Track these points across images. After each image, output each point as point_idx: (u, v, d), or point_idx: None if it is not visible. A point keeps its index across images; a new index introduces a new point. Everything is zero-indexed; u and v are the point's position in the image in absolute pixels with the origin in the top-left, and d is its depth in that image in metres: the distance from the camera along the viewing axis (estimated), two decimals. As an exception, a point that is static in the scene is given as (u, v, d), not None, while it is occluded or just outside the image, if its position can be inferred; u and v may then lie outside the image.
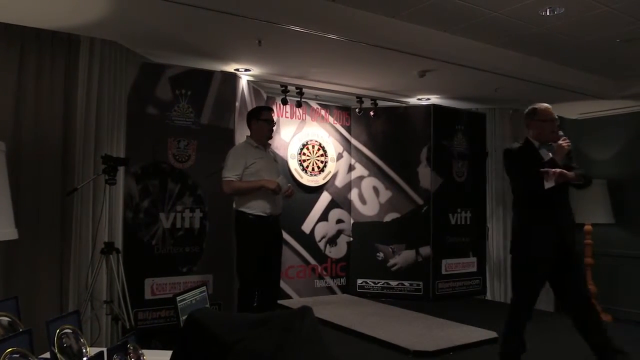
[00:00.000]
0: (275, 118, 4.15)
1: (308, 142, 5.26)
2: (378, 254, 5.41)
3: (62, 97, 3.57)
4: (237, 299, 3.76)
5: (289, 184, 3.79)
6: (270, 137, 3.93)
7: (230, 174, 3.61)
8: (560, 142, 2.97)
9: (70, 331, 1.48)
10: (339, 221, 5.47)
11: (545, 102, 3.16)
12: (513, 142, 3.31)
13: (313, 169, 5.27)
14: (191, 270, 4.08)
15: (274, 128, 3.94)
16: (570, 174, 2.89)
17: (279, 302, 4.35)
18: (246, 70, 4.52)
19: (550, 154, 2.95)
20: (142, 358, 1.55)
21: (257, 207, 3.63)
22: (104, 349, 1.43)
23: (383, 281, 5.37)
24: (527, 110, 3.13)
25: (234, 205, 3.73)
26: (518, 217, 3.09)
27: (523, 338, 2.98)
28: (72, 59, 3.60)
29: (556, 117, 3.06)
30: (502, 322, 3.06)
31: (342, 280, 5.47)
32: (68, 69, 3.59)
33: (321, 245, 5.36)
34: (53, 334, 1.42)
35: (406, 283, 5.32)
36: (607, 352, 2.85)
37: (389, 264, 5.38)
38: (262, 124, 3.79)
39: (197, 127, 4.16)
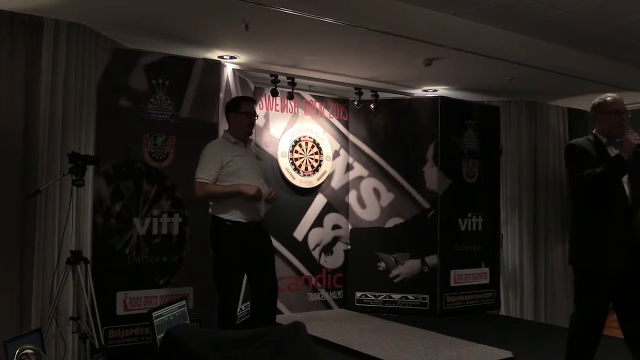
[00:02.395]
0: (257, 110, 4.08)
1: (301, 138, 5.26)
2: (379, 263, 5.41)
3: (22, 87, 3.54)
4: (217, 315, 3.73)
5: (271, 188, 3.72)
6: (250, 133, 3.83)
7: (204, 175, 3.53)
8: (627, 136, 2.84)
9: (32, 351, 1.48)
10: (336, 227, 5.46)
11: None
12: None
13: (306, 169, 5.26)
14: (169, 282, 4.06)
15: (255, 122, 3.88)
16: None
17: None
18: (231, 57, 4.51)
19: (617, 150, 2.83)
20: (113, 381, 1.54)
21: (235, 213, 3.56)
22: (70, 372, 1.43)
23: (385, 294, 5.37)
24: (593, 102, 3.04)
25: (210, 211, 3.68)
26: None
27: None
28: (35, 44, 3.58)
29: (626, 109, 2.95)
30: (518, 339, 3.05)
31: (339, 293, 5.47)
32: (30, 56, 3.57)
33: (315, 254, 5.35)
34: (12, 354, 1.42)
35: (410, 296, 5.33)
36: None
37: (391, 275, 5.38)
38: (241, 117, 3.70)
39: (176, 121, 4.15)
